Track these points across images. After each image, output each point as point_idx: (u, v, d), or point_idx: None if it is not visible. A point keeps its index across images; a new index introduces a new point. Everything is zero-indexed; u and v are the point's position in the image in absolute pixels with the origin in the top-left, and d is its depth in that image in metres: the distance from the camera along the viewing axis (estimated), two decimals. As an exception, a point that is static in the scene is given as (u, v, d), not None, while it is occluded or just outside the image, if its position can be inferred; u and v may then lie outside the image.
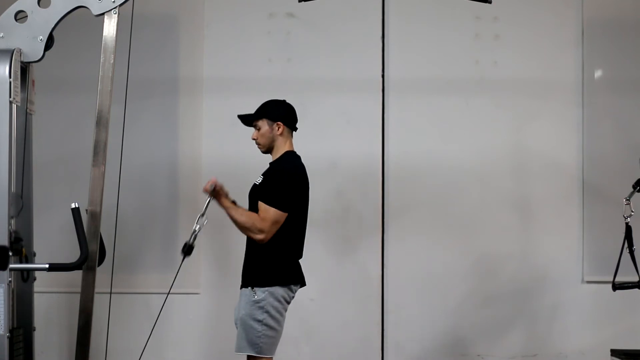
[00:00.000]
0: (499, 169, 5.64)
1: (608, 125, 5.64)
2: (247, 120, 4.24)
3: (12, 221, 3.93)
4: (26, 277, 4.17)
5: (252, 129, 4.24)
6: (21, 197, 4.08)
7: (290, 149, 4.22)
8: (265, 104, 4.23)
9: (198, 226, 4.10)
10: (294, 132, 4.25)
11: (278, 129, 4.17)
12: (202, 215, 4.11)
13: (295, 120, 4.25)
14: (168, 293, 4.37)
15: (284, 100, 4.26)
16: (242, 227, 4.05)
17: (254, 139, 4.22)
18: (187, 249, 4.11)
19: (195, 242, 4.11)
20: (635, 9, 5.65)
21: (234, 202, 4.12)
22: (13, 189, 3.93)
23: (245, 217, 4.05)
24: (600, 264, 5.48)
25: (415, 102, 5.66)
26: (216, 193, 4.07)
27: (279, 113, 4.19)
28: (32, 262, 4.23)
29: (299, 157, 4.22)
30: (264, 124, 4.19)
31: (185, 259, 4.14)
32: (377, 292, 5.61)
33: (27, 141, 4.18)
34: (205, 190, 4.07)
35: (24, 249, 4.08)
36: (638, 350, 4.93)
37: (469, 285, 5.61)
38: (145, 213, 5.60)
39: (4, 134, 3.89)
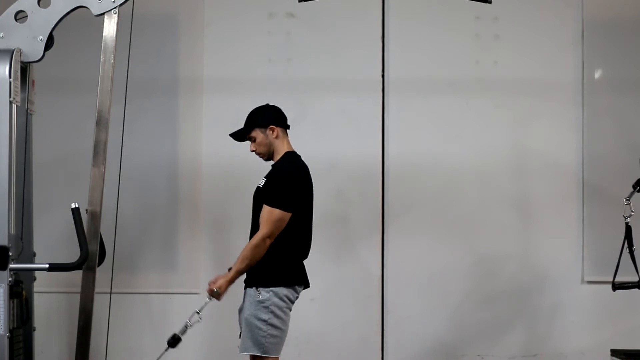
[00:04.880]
0: (499, 169, 5.63)
1: (608, 125, 5.63)
2: (240, 135, 4.24)
3: (13, 262, 3.91)
4: (25, 319, 4.16)
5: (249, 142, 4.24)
6: (21, 239, 4.07)
7: (290, 149, 4.22)
8: (252, 114, 4.23)
9: (190, 322, 4.13)
10: (288, 130, 4.25)
11: (273, 133, 4.17)
12: (198, 312, 4.14)
13: (285, 119, 4.24)
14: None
15: (267, 104, 4.26)
16: (255, 257, 4.03)
17: (252, 151, 4.23)
18: (174, 341, 4.13)
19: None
20: (635, 9, 5.65)
21: (229, 270, 4.13)
22: (13, 197, 3.91)
23: (248, 254, 4.03)
24: (600, 264, 5.48)
25: (415, 102, 5.65)
26: (222, 290, 4.10)
27: (267, 117, 4.18)
28: (32, 262, 4.24)
29: (299, 157, 4.22)
30: (257, 134, 4.18)
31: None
32: (377, 292, 5.61)
33: (27, 141, 4.19)
34: (219, 299, 4.12)
35: (24, 292, 4.09)
36: (638, 350, 4.93)
37: (469, 285, 5.61)
38: (145, 213, 5.60)
39: (4, 134, 3.90)
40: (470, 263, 5.61)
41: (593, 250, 5.58)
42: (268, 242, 4.02)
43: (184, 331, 4.14)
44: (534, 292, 5.60)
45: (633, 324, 5.56)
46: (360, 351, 5.61)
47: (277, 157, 4.19)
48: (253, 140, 4.21)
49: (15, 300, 4.00)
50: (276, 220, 4.01)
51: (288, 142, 4.23)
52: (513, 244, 5.61)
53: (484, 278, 5.61)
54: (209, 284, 4.14)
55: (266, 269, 4.04)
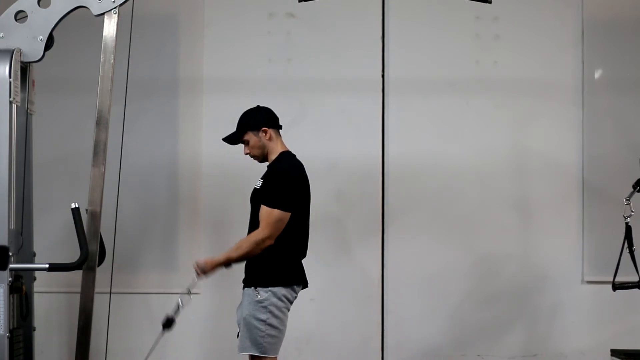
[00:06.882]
0: (499, 169, 5.63)
1: (608, 125, 5.63)
2: (233, 140, 4.24)
3: (13, 258, 3.91)
4: (25, 315, 4.17)
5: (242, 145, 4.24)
6: (21, 234, 4.07)
7: (284, 149, 4.21)
8: (243, 117, 4.22)
9: (182, 303, 4.10)
10: (280, 130, 4.24)
11: (266, 135, 4.16)
12: (188, 292, 4.10)
13: (277, 119, 4.23)
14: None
15: (258, 105, 4.24)
16: (249, 253, 4.03)
17: (247, 154, 4.22)
18: (168, 323, 4.11)
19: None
20: (635, 9, 5.65)
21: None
22: (14, 196, 3.92)
23: (244, 245, 4.04)
24: (600, 264, 5.48)
25: (415, 102, 5.65)
26: (206, 269, 4.08)
27: (259, 120, 4.17)
28: (32, 262, 4.24)
29: (295, 156, 4.21)
30: (250, 137, 4.17)
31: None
32: (377, 292, 5.61)
33: (27, 141, 4.19)
34: (201, 276, 4.10)
35: (24, 286, 4.10)
36: (638, 350, 4.93)
37: (469, 285, 5.61)
38: (145, 213, 5.60)
39: (4, 134, 3.90)
40: (470, 263, 5.61)
41: (593, 250, 5.58)
42: (268, 242, 4.01)
43: (176, 312, 4.10)
44: (534, 292, 5.60)
45: (633, 324, 5.56)
46: (360, 351, 5.61)
47: (272, 157, 4.18)
48: (246, 143, 4.20)
49: (15, 296, 3.99)
50: (276, 220, 4.00)
51: (282, 142, 4.22)
52: (513, 244, 5.61)
53: (484, 278, 5.61)
54: (197, 264, 4.10)
55: (264, 269, 4.04)
